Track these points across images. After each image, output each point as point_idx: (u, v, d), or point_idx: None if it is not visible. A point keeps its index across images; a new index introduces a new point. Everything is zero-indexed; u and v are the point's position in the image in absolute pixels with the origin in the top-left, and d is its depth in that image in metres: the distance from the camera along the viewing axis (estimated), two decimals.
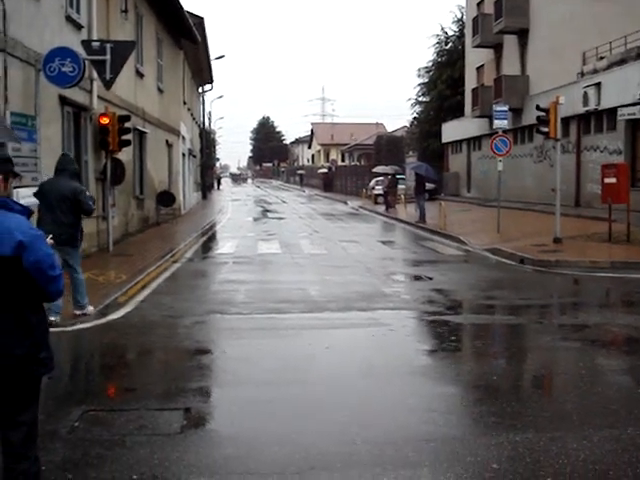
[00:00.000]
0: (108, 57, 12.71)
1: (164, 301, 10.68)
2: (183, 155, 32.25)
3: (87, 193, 9.44)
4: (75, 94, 14.37)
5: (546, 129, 17.16)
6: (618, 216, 19.59)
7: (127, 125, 16.47)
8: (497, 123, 20.90)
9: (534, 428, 5.25)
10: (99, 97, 15.84)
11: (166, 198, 24.00)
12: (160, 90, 24.48)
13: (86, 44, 13.37)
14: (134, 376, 6.92)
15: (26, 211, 3.66)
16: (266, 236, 21.43)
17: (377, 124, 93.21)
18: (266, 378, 6.65)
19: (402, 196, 31.25)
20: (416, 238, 21.53)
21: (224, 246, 18.70)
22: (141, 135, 20.94)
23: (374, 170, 39.20)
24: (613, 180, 16.62)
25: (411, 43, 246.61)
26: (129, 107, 18.87)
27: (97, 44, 13.04)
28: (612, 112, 24.06)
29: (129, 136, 16.88)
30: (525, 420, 5.44)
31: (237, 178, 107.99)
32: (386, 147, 61.86)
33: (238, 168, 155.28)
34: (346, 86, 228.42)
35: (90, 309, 9.29)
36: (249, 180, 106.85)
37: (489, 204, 32.90)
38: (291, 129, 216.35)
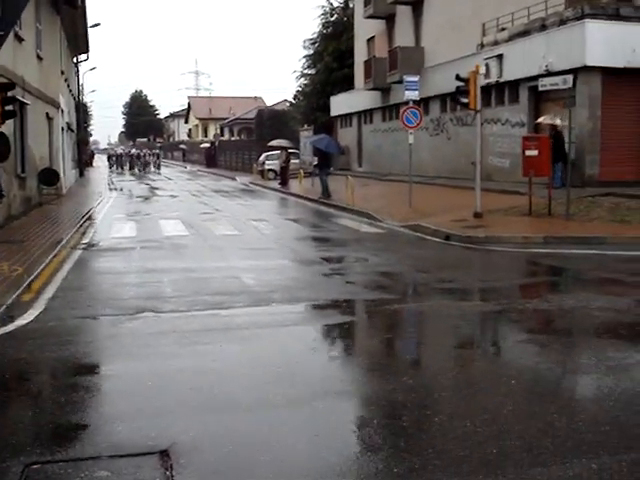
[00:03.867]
0: None
1: (79, 298, 9.10)
2: (62, 129, 29.75)
3: None
4: None
5: (466, 100, 16.49)
6: (522, 188, 19.39)
7: (10, 94, 14.41)
8: (408, 94, 20.10)
9: None
10: None
11: (49, 176, 21.81)
12: (39, 58, 22.10)
13: None
14: (77, 407, 5.33)
15: None
16: (165, 216, 19.80)
17: (256, 98, 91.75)
18: (276, 401, 5.34)
19: (301, 171, 30.13)
20: (325, 215, 20.56)
21: (123, 228, 16.96)
22: (22, 107, 18.69)
23: (270, 144, 37.89)
24: (535, 152, 16.17)
25: (285, 16, 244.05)
26: (8, 75, 16.67)
27: None
28: (514, 84, 23.91)
29: (13, 107, 14.81)
30: None
31: (120, 161, 61.08)
32: (268, 121, 60.69)
33: (109, 144, 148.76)
34: (222, 60, 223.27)
35: None
36: (152, 167, 56.58)
37: (385, 178, 32.42)
38: (165, 103, 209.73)
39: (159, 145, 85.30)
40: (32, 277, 10.22)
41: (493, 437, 4.52)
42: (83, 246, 13.88)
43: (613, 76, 20.21)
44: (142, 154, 58.29)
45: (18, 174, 18.52)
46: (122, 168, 59.02)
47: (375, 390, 5.54)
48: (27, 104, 19.10)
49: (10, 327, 7.57)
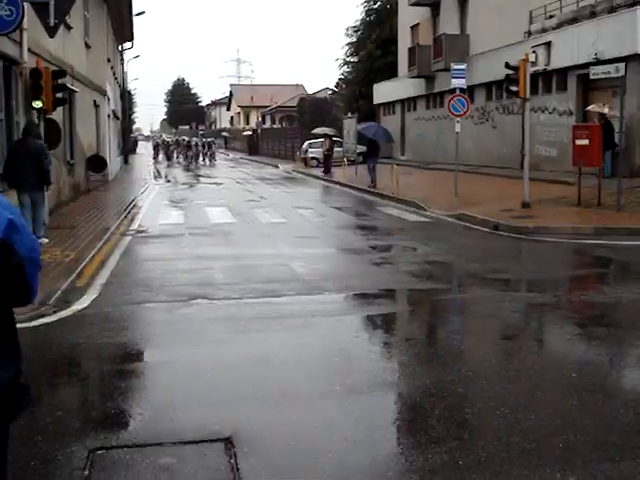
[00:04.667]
0: None
1: (132, 284, 9.21)
2: (108, 117, 30.08)
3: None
4: (4, 45, 12.46)
5: (515, 88, 16.25)
6: (570, 178, 19.09)
7: (61, 81, 14.60)
8: (455, 82, 19.86)
9: None
10: (29, 50, 13.90)
11: (97, 163, 22.08)
12: (87, 45, 22.32)
13: None
14: (137, 393, 5.43)
15: None
16: (212, 203, 19.90)
17: (297, 85, 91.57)
18: (335, 391, 5.35)
19: (345, 159, 30.04)
20: (370, 203, 20.47)
21: (170, 215, 17.10)
22: (70, 94, 18.92)
23: (313, 132, 37.81)
24: (585, 142, 15.85)
25: (328, 3, 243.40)
26: (58, 63, 16.87)
27: None
28: (562, 72, 23.51)
29: (63, 94, 15.01)
30: None
31: (168, 150, 52.74)
32: (310, 109, 60.58)
33: (151, 131, 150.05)
34: (264, 48, 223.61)
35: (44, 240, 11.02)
36: (201, 157, 48.38)
37: (428, 167, 32.18)
38: (207, 91, 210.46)
39: (201, 133, 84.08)
40: (84, 263, 10.35)
41: (559, 431, 4.45)
42: (132, 232, 14.03)
43: None
44: (194, 143, 49.53)
45: (67, 161, 18.78)
46: (170, 159, 50.63)
47: (434, 381, 5.49)
48: (76, 92, 19.34)
49: (67, 312, 7.69)
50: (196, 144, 48.88)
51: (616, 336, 6.83)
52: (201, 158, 47.75)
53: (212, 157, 48.30)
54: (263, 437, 4.42)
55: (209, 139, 51.88)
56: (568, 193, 17.57)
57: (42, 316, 7.46)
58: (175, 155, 51.77)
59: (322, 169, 32.72)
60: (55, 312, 7.63)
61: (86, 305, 7.98)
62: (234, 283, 9.14)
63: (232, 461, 4.06)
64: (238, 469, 3.96)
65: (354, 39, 47.99)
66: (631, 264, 11.15)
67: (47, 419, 4.73)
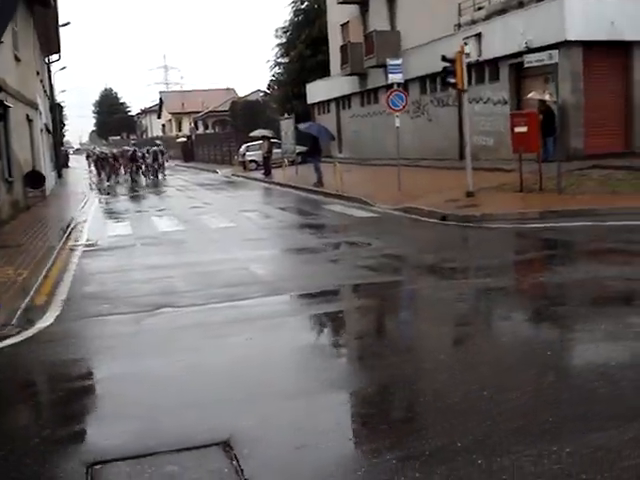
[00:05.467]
0: None
1: (93, 297, 9.09)
2: (41, 131, 29.46)
3: None
4: None
5: (453, 80, 16.56)
6: (508, 165, 19.58)
7: None
8: (392, 77, 20.11)
9: None
10: None
11: (35, 179, 21.61)
12: (17, 59, 21.82)
13: None
14: (125, 404, 5.32)
15: None
16: (156, 212, 19.72)
17: (228, 89, 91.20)
18: (317, 388, 5.42)
19: (285, 160, 30.09)
20: (315, 202, 20.58)
21: (117, 227, 16.89)
22: (5, 110, 18.50)
23: (252, 134, 37.74)
24: (524, 129, 16.28)
25: (255, 5, 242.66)
26: None
27: None
28: (494, 62, 24.03)
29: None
30: None
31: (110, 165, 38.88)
32: (242, 112, 60.49)
33: (80, 144, 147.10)
34: (191, 53, 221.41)
35: None
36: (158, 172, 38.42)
37: (366, 163, 32.48)
38: (136, 100, 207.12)
39: (133, 142, 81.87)
40: (39, 280, 10.17)
41: (544, 407, 4.62)
42: (82, 247, 13.81)
43: (593, 50, 20.42)
44: (147, 153, 37.54)
45: (6, 178, 18.35)
46: (116, 174, 38.43)
47: (417, 368, 5.62)
48: (9, 107, 18.90)
49: (33, 331, 7.54)
50: (143, 155, 37.43)
51: (579, 313, 7.09)
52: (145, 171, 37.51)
53: (160, 169, 38.10)
54: (260, 438, 4.45)
55: (154, 147, 38.78)
56: (509, 180, 17.99)
57: (7, 337, 7.31)
58: (123, 171, 39.51)
59: (262, 171, 32.70)
60: (20, 332, 7.47)
61: (51, 322, 7.85)
62: (196, 290, 9.11)
63: (234, 463, 4.09)
64: (242, 470, 3.99)
65: (284, 40, 48.12)
66: (578, 244, 11.53)
67: (35, 439, 4.66)
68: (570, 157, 20.00)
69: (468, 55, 21.46)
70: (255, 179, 32.07)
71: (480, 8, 24.74)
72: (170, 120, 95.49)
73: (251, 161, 37.72)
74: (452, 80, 16.63)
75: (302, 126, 27.86)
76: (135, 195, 28.08)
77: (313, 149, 24.91)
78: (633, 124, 21.51)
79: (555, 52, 15.24)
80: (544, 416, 4.46)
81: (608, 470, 3.75)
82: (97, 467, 4.19)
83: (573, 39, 20.02)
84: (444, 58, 16.74)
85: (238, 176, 35.74)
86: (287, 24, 47.65)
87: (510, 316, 7.27)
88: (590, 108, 20.70)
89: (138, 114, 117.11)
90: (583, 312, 7.17)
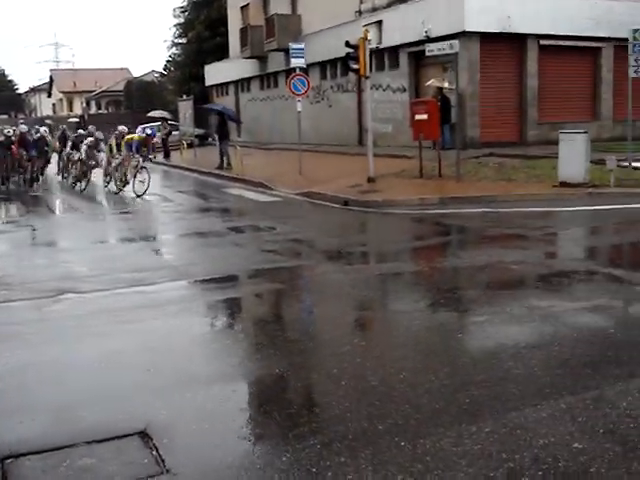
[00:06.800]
0: None
1: None
2: None
3: None
4: None
5: (356, 66, 16.66)
6: (407, 152, 19.94)
7: None
8: (294, 61, 20.05)
9: None
10: None
11: None
12: None
13: None
14: (34, 394, 5.02)
15: None
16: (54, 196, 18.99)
17: (122, 69, 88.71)
18: (232, 373, 5.32)
19: (184, 142, 29.54)
20: (216, 186, 20.35)
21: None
22: None
23: (150, 115, 36.74)
24: (424, 116, 16.57)
25: None
26: None
27: None
28: (394, 50, 24.32)
29: None
30: None
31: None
32: (137, 93, 59.10)
33: None
34: (83, 31, 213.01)
35: None
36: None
37: (265, 147, 32.31)
38: (25, 77, 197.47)
39: (21, 122, 77.17)
40: None
41: (460, 389, 4.70)
42: None
43: (490, 41, 21.00)
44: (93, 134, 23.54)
45: None
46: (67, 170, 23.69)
47: (332, 352, 5.62)
48: None
49: None
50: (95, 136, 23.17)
51: (485, 296, 7.28)
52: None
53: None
54: (178, 426, 4.33)
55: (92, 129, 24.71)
56: (408, 166, 18.29)
57: None
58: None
59: (161, 154, 31.97)
60: None
61: None
62: (100, 275, 8.80)
63: (154, 453, 3.96)
64: (163, 460, 3.87)
65: (182, 20, 47.21)
66: (479, 229, 11.85)
67: None
68: (467, 145, 20.53)
69: (370, 42, 21.77)
70: (153, 161, 31.27)
71: None
72: (61, 99, 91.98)
73: None
74: (355, 66, 16.73)
75: (208, 106, 27.55)
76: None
77: (221, 131, 24.61)
78: (527, 115, 22.29)
79: (456, 42, 15.58)
80: (461, 397, 4.55)
81: (526, 448, 3.86)
82: (8, 461, 3.97)
83: (471, 30, 20.49)
84: (347, 44, 16.81)
85: None
86: (185, 4, 46.76)
87: (419, 300, 7.38)
88: (486, 98, 21.30)
89: (27, 92, 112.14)
90: (489, 295, 7.36)
